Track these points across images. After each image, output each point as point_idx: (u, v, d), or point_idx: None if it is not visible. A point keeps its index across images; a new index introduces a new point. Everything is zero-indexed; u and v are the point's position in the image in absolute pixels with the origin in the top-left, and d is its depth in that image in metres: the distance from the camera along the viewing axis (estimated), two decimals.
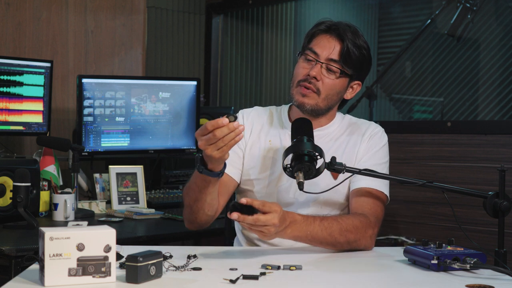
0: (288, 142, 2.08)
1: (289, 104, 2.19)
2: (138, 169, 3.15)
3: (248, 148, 2.13)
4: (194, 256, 1.68)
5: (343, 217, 1.93)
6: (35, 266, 1.57)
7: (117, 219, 2.80)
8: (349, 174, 1.95)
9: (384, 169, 2.08)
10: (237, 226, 2.22)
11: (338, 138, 2.12)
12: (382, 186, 2.03)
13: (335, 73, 2.02)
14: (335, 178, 2.04)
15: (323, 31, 2.04)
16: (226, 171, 1.95)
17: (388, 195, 2.06)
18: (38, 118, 3.07)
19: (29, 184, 2.52)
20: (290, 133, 2.08)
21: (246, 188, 2.13)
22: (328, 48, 2.01)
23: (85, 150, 3.09)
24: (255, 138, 2.13)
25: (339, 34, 2.01)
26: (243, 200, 1.67)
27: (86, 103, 3.11)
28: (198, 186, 1.88)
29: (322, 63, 2.01)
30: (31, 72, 3.03)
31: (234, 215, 1.65)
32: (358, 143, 2.09)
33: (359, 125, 2.15)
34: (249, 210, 1.68)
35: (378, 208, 2.00)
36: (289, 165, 1.87)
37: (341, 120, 2.16)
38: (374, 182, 2.01)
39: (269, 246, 2.06)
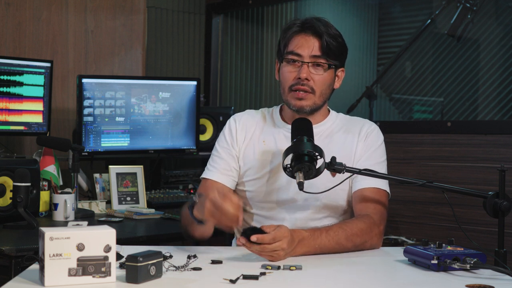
0: (282, 141, 2.10)
1: (280, 105, 2.21)
2: (138, 169, 3.14)
3: (242, 152, 2.15)
4: (194, 256, 1.68)
5: (347, 222, 1.95)
6: (35, 266, 1.57)
7: (117, 219, 2.80)
8: (349, 174, 1.96)
9: (383, 167, 2.11)
10: (235, 228, 2.22)
11: (333, 135, 2.13)
12: (383, 184, 2.06)
13: (322, 67, 2.04)
14: (333, 175, 2.05)
15: (297, 31, 2.06)
16: (221, 180, 2.11)
17: (389, 191, 2.09)
18: (38, 118, 3.07)
19: (29, 184, 2.52)
20: (283, 131, 2.12)
21: (244, 189, 2.14)
22: (309, 46, 2.04)
23: (85, 150, 3.09)
24: (249, 141, 2.15)
25: (315, 30, 2.04)
26: (253, 238, 1.69)
27: (86, 103, 3.11)
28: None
29: (308, 62, 2.03)
30: (31, 72, 3.03)
31: (242, 240, 1.70)
32: (355, 141, 2.11)
33: (354, 122, 2.17)
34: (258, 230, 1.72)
35: (381, 207, 2.03)
36: (289, 165, 1.87)
37: (335, 118, 2.18)
38: (375, 181, 2.04)
39: None
